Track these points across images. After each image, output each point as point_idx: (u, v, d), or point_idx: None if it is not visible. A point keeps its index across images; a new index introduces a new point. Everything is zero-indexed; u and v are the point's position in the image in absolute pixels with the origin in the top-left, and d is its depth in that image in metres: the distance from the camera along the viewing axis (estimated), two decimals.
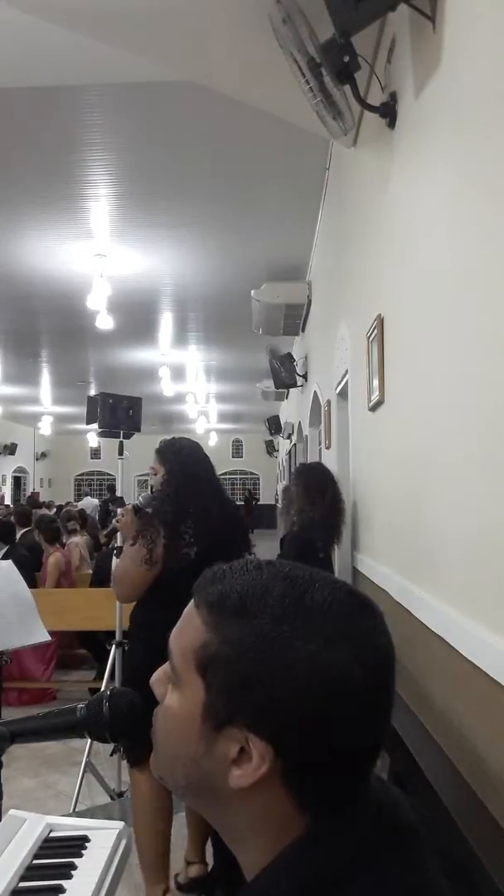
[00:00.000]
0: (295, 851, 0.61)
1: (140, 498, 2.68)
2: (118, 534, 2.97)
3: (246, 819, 0.63)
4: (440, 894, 0.61)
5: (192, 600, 0.67)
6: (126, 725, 0.99)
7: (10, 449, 20.64)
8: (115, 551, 3.15)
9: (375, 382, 2.57)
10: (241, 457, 25.55)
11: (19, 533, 6.43)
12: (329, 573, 0.67)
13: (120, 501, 3.22)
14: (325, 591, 0.62)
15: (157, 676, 0.71)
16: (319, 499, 3.27)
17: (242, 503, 17.74)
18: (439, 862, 0.64)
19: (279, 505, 16.66)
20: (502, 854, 1.08)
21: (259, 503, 22.10)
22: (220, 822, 0.68)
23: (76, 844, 1.17)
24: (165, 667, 0.70)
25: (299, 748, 0.60)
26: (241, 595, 0.63)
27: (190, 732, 0.64)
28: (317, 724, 0.59)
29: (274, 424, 14.59)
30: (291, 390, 9.24)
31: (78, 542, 6.69)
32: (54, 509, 12.23)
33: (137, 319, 8.78)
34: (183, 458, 2.48)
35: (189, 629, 0.65)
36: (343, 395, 4.04)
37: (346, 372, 3.65)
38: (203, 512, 2.35)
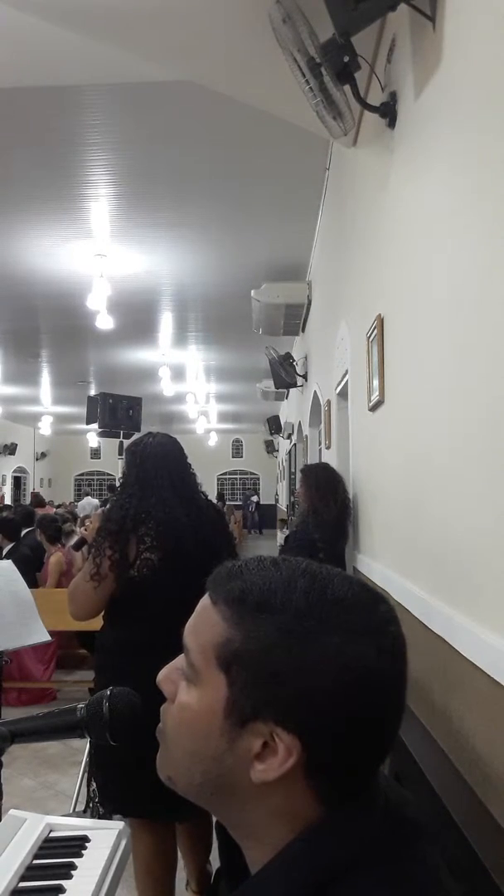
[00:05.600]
0: (305, 842, 0.62)
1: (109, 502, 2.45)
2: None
3: (263, 813, 0.64)
4: (444, 887, 0.62)
5: (207, 596, 0.67)
6: (126, 725, 0.99)
7: (10, 449, 20.66)
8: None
9: (375, 382, 2.57)
10: (241, 457, 25.56)
11: (22, 532, 6.42)
12: (340, 569, 0.68)
13: None
14: (344, 586, 0.64)
15: (166, 674, 0.71)
16: (331, 498, 3.29)
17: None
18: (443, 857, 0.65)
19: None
20: (502, 854, 1.08)
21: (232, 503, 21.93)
22: (233, 819, 0.68)
23: (76, 844, 1.17)
24: (175, 663, 0.70)
25: (326, 739, 0.61)
26: (263, 590, 0.63)
27: (210, 729, 0.64)
28: (343, 713, 0.61)
29: (274, 424, 14.59)
30: (291, 390, 9.24)
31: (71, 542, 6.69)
32: (55, 509, 12.24)
33: (137, 319, 8.78)
34: (141, 460, 2.29)
35: (207, 625, 0.66)
36: (343, 395, 4.04)
37: (346, 372, 3.65)
38: (165, 516, 2.16)
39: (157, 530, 2.14)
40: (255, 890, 0.64)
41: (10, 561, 2.87)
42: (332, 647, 0.60)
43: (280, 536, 14.79)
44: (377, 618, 0.64)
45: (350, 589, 0.64)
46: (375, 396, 2.58)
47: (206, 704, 0.65)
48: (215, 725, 0.64)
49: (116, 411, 6.72)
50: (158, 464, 2.27)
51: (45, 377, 14.10)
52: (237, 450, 25.64)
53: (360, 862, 0.60)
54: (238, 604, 0.64)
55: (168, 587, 2.08)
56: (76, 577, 2.24)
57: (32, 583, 5.35)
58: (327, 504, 3.29)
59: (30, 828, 1.18)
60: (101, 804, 2.39)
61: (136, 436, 2.33)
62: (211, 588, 0.68)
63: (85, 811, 2.99)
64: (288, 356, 7.81)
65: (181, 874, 2.40)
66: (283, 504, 15.51)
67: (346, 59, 1.99)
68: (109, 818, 2.20)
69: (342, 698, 0.60)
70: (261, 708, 0.62)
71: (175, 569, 2.10)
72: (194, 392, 15.18)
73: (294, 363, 7.66)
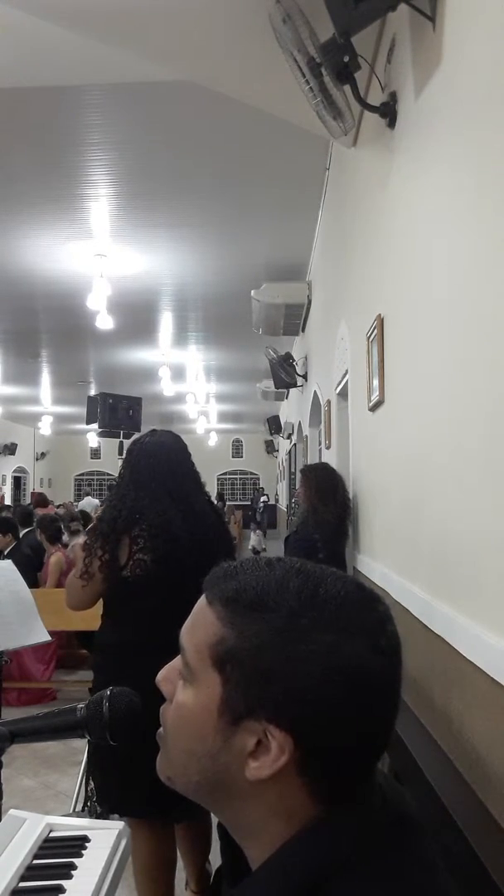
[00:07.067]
0: (302, 839, 0.62)
1: None
2: None
3: (259, 811, 0.64)
4: (442, 883, 0.62)
5: (203, 596, 0.68)
6: (126, 725, 0.99)
7: (10, 449, 20.65)
8: None
9: (375, 382, 2.57)
10: (241, 457, 25.56)
11: (21, 532, 6.42)
12: (335, 569, 0.69)
13: None
14: (337, 585, 0.65)
15: (165, 674, 0.71)
16: (331, 498, 3.29)
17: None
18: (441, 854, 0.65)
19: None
20: (502, 854, 1.08)
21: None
22: (231, 818, 0.69)
23: (76, 844, 1.17)
24: (173, 664, 0.71)
25: (318, 737, 0.61)
26: (257, 590, 0.64)
27: (205, 727, 0.65)
28: (336, 712, 0.61)
29: (274, 424, 14.59)
30: (291, 390, 9.24)
31: (80, 542, 6.67)
32: (56, 508, 12.23)
33: (137, 319, 8.78)
34: (137, 459, 2.26)
35: (202, 625, 0.66)
36: (343, 395, 4.04)
37: (346, 372, 3.65)
38: (158, 517, 2.13)
39: (150, 532, 2.12)
40: (252, 889, 0.64)
41: (10, 561, 2.88)
42: (325, 645, 0.61)
43: (254, 538, 14.61)
44: (371, 617, 0.65)
45: (343, 588, 0.65)
46: (375, 396, 2.58)
47: (201, 703, 0.65)
48: (210, 724, 0.64)
49: (116, 411, 6.73)
50: (154, 463, 2.24)
51: (45, 377, 14.09)
52: (237, 450, 25.63)
53: (355, 860, 0.60)
54: (232, 603, 0.65)
55: (162, 588, 2.08)
56: (72, 572, 2.25)
57: (32, 583, 5.36)
58: (327, 504, 3.29)
59: (30, 828, 1.18)
60: (99, 803, 2.39)
61: (136, 435, 2.30)
62: (207, 588, 0.68)
63: (83, 810, 2.99)
64: (288, 356, 7.81)
65: (181, 874, 2.40)
66: (283, 504, 15.48)
67: (346, 59, 1.99)
68: (106, 818, 2.20)
69: (334, 697, 0.61)
70: (254, 706, 0.62)
71: (168, 570, 2.10)
72: (194, 392, 15.18)
73: (294, 363, 7.66)
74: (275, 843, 0.63)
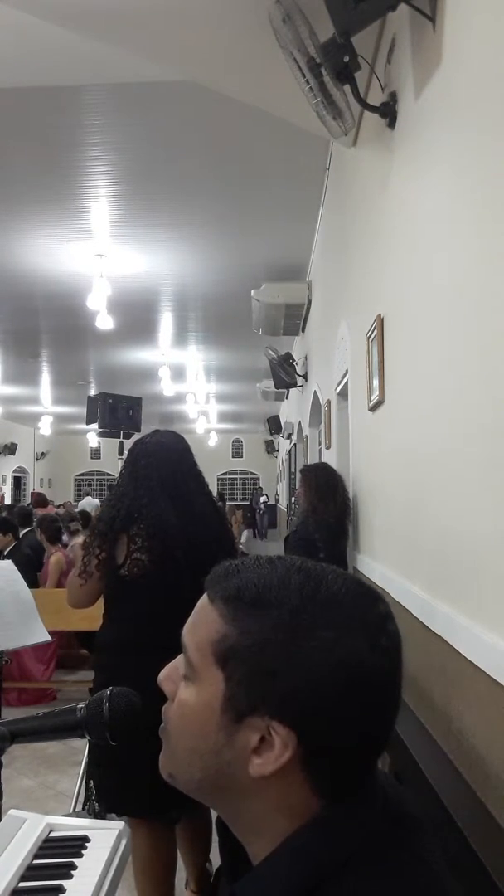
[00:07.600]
0: (304, 836, 0.63)
1: None
2: None
3: (262, 808, 0.65)
4: (443, 881, 0.62)
5: (205, 595, 0.69)
6: (126, 725, 0.99)
7: (10, 449, 20.66)
8: None
9: (375, 382, 2.57)
10: (241, 457, 25.57)
11: (21, 532, 6.42)
12: (335, 566, 0.69)
13: None
14: (338, 582, 0.65)
15: (167, 673, 0.71)
16: (331, 498, 3.29)
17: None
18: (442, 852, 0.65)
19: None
20: (502, 854, 1.08)
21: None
22: (234, 815, 0.69)
23: (76, 844, 1.17)
24: (175, 663, 0.71)
25: (321, 733, 0.62)
26: (258, 587, 0.64)
27: (208, 725, 0.65)
28: (338, 708, 0.61)
29: (274, 424, 14.59)
30: (291, 390, 9.25)
31: (80, 542, 6.67)
32: (56, 508, 12.23)
33: (137, 319, 8.78)
34: (137, 458, 2.27)
35: (204, 623, 0.67)
36: (343, 395, 4.04)
37: (346, 372, 3.65)
38: (155, 517, 2.13)
39: (147, 531, 2.13)
40: (253, 885, 0.64)
41: (10, 561, 2.87)
42: (326, 642, 0.61)
43: (245, 537, 14.39)
44: (371, 614, 0.65)
45: (344, 585, 0.65)
46: (375, 396, 2.58)
47: (204, 700, 0.65)
48: (213, 721, 0.64)
49: (116, 411, 6.73)
50: (153, 462, 2.25)
51: (45, 377, 14.10)
52: (237, 450, 25.64)
53: (357, 857, 0.60)
54: (234, 601, 0.65)
55: (159, 587, 2.08)
56: (72, 570, 2.27)
57: (32, 583, 5.35)
58: (327, 504, 3.29)
59: (30, 828, 1.18)
60: (98, 802, 2.40)
61: (136, 435, 2.31)
62: (209, 587, 0.69)
63: (83, 808, 2.99)
64: (288, 356, 7.81)
65: (181, 874, 2.39)
66: (283, 504, 15.47)
67: (346, 59, 1.99)
68: (103, 817, 2.20)
69: (336, 693, 0.61)
70: (257, 703, 0.62)
71: (166, 570, 2.10)
72: (194, 392, 15.19)
73: (294, 363, 7.66)
74: (277, 840, 0.63)
